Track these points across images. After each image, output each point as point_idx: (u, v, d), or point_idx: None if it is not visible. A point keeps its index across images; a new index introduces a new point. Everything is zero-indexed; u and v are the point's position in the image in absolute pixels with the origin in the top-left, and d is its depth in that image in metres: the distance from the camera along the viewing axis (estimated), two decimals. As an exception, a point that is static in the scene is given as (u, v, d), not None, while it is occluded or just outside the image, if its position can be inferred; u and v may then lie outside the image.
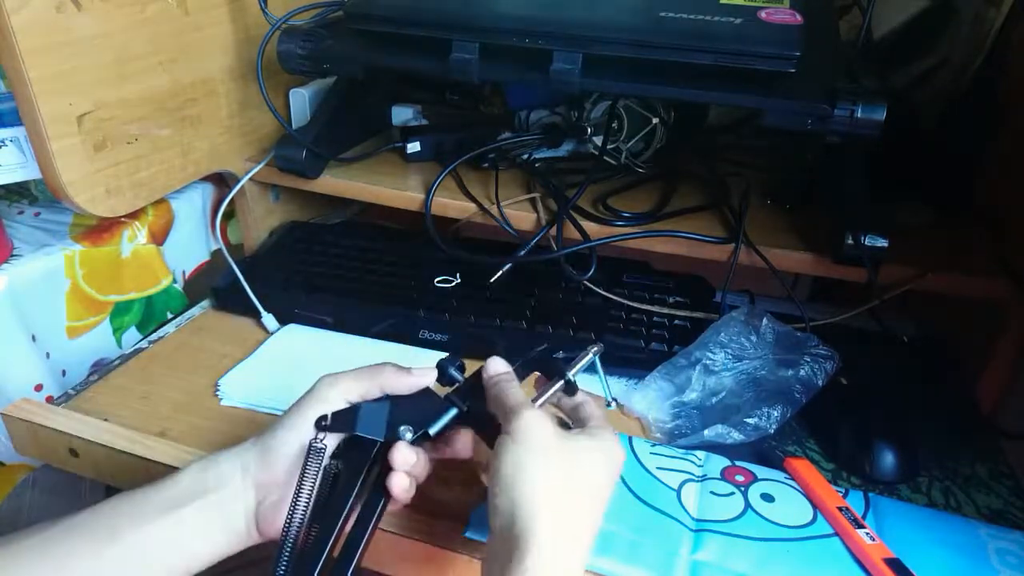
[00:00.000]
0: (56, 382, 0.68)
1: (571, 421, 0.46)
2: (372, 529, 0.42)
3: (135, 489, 0.42)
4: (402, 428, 0.44)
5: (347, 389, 0.45)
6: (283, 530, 0.41)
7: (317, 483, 0.42)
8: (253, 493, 0.42)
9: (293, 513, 0.41)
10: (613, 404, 0.57)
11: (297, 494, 0.42)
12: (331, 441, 0.43)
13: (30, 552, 0.38)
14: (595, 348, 0.49)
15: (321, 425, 0.43)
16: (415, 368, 0.47)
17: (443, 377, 0.47)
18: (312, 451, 0.42)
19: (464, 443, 0.47)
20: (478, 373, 0.47)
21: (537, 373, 0.49)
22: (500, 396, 0.43)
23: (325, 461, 0.43)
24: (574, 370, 0.47)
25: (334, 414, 0.44)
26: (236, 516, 0.42)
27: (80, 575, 0.38)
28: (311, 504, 0.42)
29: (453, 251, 0.72)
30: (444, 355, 0.59)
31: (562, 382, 0.46)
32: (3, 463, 0.67)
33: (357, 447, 0.44)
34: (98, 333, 0.72)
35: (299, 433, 0.43)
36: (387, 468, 0.43)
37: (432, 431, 0.44)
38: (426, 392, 0.47)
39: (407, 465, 0.43)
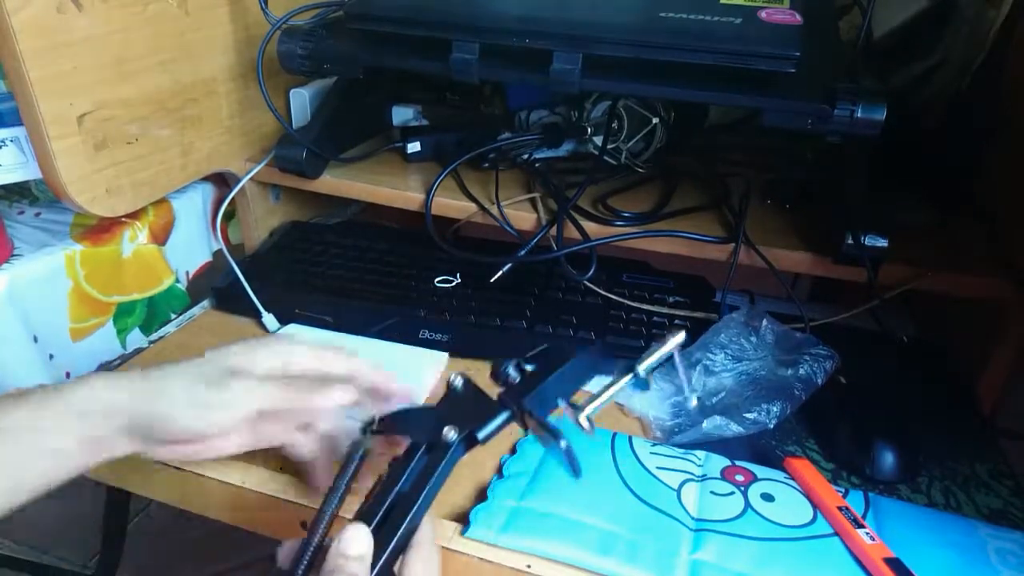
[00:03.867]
0: (59, 383, 0.68)
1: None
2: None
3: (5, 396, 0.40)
4: (447, 428, 0.40)
5: (264, 403, 0.43)
6: (307, 537, 0.40)
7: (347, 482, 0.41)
8: (127, 441, 0.41)
9: (318, 523, 0.40)
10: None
11: (330, 498, 0.40)
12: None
13: None
14: (678, 336, 0.40)
15: (370, 430, 0.42)
16: (330, 387, 0.44)
17: (497, 377, 0.43)
18: (350, 459, 0.41)
19: None
20: (541, 368, 0.42)
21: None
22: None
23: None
24: (647, 363, 0.39)
25: (383, 418, 0.42)
26: (110, 452, 0.41)
27: None
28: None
29: (453, 251, 0.72)
30: (443, 354, 0.59)
31: (630, 376, 0.39)
32: None
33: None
34: (102, 335, 0.71)
35: (210, 433, 0.42)
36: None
37: (481, 435, 0.40)
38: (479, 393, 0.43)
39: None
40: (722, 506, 0.49)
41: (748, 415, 0.57)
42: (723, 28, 0.57)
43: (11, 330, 0.63)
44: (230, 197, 0.79)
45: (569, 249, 0.66)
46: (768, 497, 0.50)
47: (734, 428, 0.57)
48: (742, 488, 0.51)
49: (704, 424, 0.57)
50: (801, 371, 0.59)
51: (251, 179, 0.79)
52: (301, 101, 0.84)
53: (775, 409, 0.57)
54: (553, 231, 0.69)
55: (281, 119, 0.75)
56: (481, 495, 0.50)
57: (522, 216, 0.72)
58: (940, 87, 0.76)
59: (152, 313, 0.76)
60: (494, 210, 0.72)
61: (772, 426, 0.57)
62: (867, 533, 0.46)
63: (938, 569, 0.45)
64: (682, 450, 0.55)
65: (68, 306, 0.68)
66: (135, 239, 0.73)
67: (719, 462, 0.54)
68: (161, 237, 0.76)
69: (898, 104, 0.58)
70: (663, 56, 0.58)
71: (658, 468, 0.52)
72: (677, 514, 0.48)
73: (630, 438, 0.56)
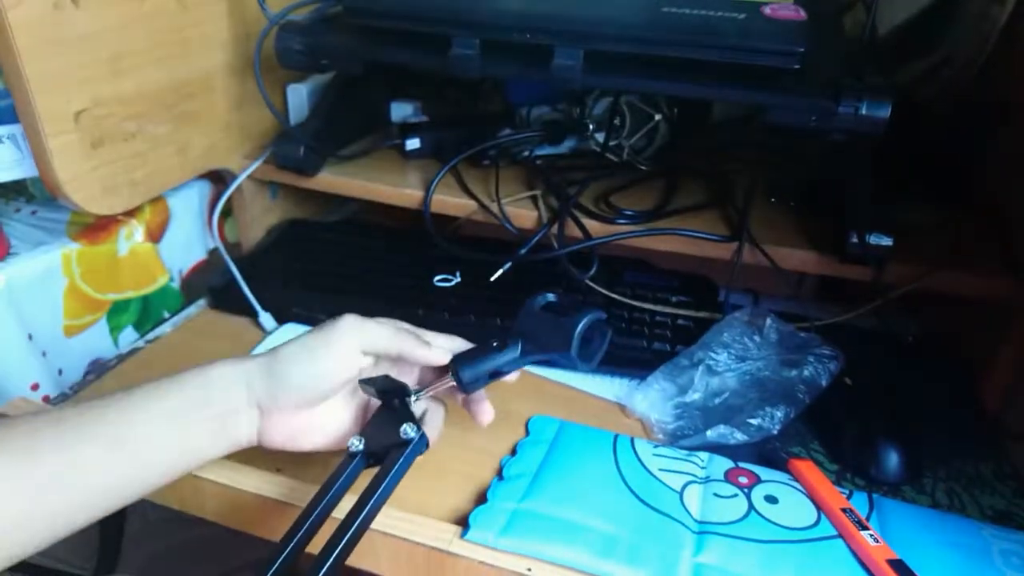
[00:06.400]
0: (53, 381, 0.67)
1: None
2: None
3: (135, 390, 0.43)
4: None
5: (369, 342, 0.48)
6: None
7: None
8: (257, 414, 0.45)
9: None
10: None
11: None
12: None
13: (45, 443, 0.39)
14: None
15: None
16: (434, 345, 0.50)
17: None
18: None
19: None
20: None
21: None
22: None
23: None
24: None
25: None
26: (239, 430, 0.45)
27: (88, 474, 0.39)
28: None
29: (453, 249, 0.72)
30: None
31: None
32: None
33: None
34: (95, 332, 0.71)
35: (320, 381, 0.46)
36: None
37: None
38: None
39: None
40: (725, 508, 0.49)
41: (752, 421, 0.56)
42: (726, 23, 0.57)
43: (7, 328, 0.63)
44: (227, 195, 0.79)
45: (571, 248, 0.66)
46: (772, 499, 0.50)
47: (739, 436, 0.56)
48: (745, 490, 0.50)
49: (708, 433, 0.56)
50: (805, 372, 0.59)
51: (248, 176, 0.79)
52: (299, 97, 0.83)
53: (779, 414, 0.57)
54: (554, 229, 0.68)
55: (279, 115, 0.74)
56: (481, 497, 0.50)
57: (523, 214, 0.72)
58: (944, 84, 0.76)
59: (146, 312, 0.76)
60: (494, 208, 0.71)
61: (776, 432, 0.57)
62: (871, 535, 0.46)
63: (942, 571, 0.45)
64: (685, 452, 0.55)
65: (63, 304, 0.68)
66: (131, 237, 0.73)
67: (722, 464, 0.53)
68: (157, 235, 0.76)
69: (903, 101, 0.57)
70: (666, 52, 0.57)
71: (660, 470, 0.52)
72: (680, 516, 0.48)
73: (632, 439, 0.55)
